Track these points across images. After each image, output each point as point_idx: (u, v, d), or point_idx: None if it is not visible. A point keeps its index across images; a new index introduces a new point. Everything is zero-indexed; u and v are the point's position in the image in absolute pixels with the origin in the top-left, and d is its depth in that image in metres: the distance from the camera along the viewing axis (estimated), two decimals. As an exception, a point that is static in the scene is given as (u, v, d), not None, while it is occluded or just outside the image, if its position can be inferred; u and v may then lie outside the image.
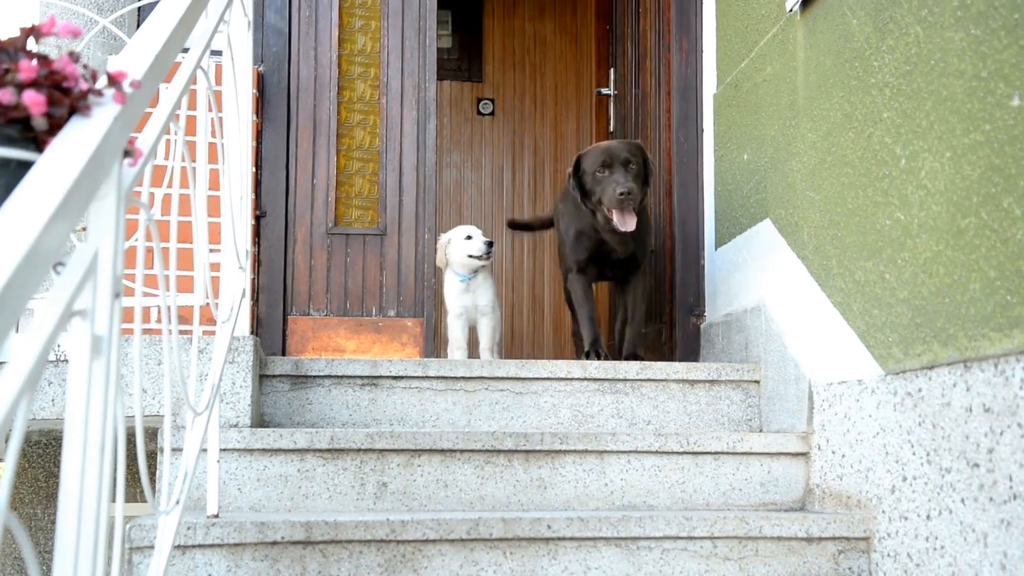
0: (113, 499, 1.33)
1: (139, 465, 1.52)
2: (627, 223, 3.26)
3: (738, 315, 3.24)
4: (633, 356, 3.49)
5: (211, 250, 3.35)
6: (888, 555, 2.20)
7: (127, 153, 1.34)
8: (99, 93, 1.28)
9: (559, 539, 2.24)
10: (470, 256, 3.92)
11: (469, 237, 3.93)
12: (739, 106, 3.32)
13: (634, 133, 4.72)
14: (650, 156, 3.47)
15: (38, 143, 1.21)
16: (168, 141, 3.29)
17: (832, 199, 2.56)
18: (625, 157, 3.34)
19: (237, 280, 2.41)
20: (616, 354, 3.80)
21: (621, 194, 3.23)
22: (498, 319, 4.00)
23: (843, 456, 2.43)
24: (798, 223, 2.79)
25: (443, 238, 4.03)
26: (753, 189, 3.16)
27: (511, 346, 6.67)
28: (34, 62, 1.22)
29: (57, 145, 1.16)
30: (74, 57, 1.28)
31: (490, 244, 3.96)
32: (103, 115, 1.25)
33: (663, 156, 4.12)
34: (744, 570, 2.27)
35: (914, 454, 2.09)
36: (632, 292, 3.61)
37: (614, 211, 3.28)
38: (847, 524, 2.29)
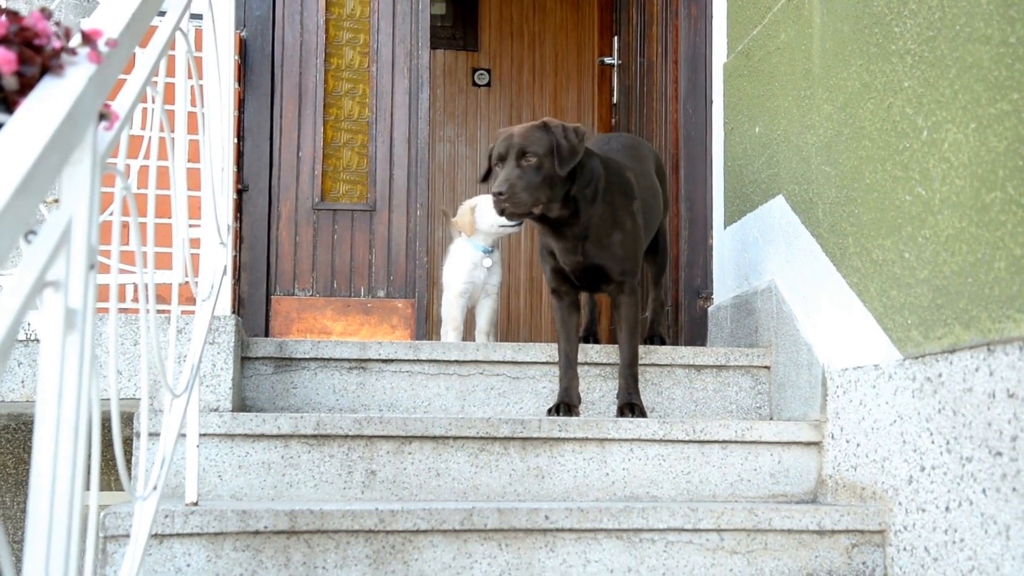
0: (87, 485, 1.33)
1: (115, 450, 1.52)
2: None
3: (748, 297, 3.24)
4: (628, 408, 2.87)
5: (190, 225, 3.34)
6: (904, 549, 2.21)
7: (102, 116, 1.33)
8: (73, 52, 1.27)
9: (557, 530, 2.24)
10: (502, 226, 3.80)
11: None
12: (751, 76, 3.31)
13: (639, 105, 4.72)
14: (573, 138, 2.81)
15: (8, 104, 1.20)
16: (145, 111, 3.28)
17: (849, 174, 2.56)
18: (521, 147, 2.76)
19: (218, 256, 2.40)
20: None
21: (497, 194, 2.73)
22: (498, 301, 3.99)
23: (858, 445, 2.43)
24: (812, 200, 2.79)
25: (469, 203, 3.89)
26: (765, 164, 3.16)
27: (507, 330, 6.68)
28: (3, 18, 1.21)
29: (28, 105, 1.16)
30: (46, 14, 1.27)
31: (514, 223, 3.84)
32: (77, 75, 1.24)
33: (670, 129, 4.12)
34: (752, 564, 2.28)
35: (933, 442, 2.10)
36: (621, 323, 2.97)
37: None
38: (861, 516, 2.30)
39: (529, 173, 2.75)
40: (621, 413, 2.87)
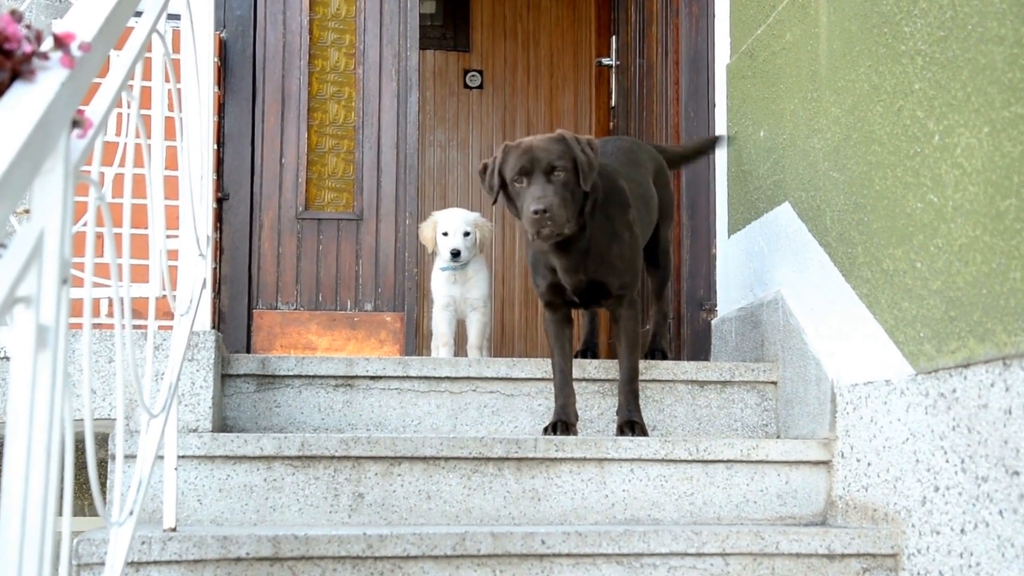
0: (60, 510, 1.33)
1: (89, 473, 1.52)
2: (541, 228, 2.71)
3: (753, 309, 3.25)
4: (628, 427, 2.85)
5: (168, 236, 3.35)
6: (918, 574, 2.21)
7: (76, 123, 1.34)
8: (44, 56, 1.28)
9: (554, 555, 2.24)
10: (441, 251, 3.85)
11: (445, 234, 3.86)
12: (755, 77, 3.33)
13: (638, 108, 4.73)
14: (590, 152, 2.82)
15: (-24, 111, 1.20)
16: (120, 116, 3.29)
17: (858, 180, 2.57)
18: (548, 162, 2.73)
19: (197, 269, 2.41)
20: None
21: (536, 212, 2.67)
22: (489, 314, 3.99)
23: (869, 464, 2.44)
24: (820, 207, 2.80)
25: (432, 217, 3.94)
26: (770, 170, 3.17)
27: (501, 344, 6.68)
28: (-28, 21, 1.21)
29: (-2, 113, 1.16)
30: (16, 16, 1.28)
31: (456, 254, 3.83)
32: (49, 80, 1.25)
33: (670, 133, 4.13)
34: (759, 590, 2.28)
35: (947, 461, 2.10)
36: (620, 336, 2.96)
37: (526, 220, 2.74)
38: (873, 539, 2.31)
39: (561, 188, 2.72)
40: (621, 431, 2.84)
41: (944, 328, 2.15)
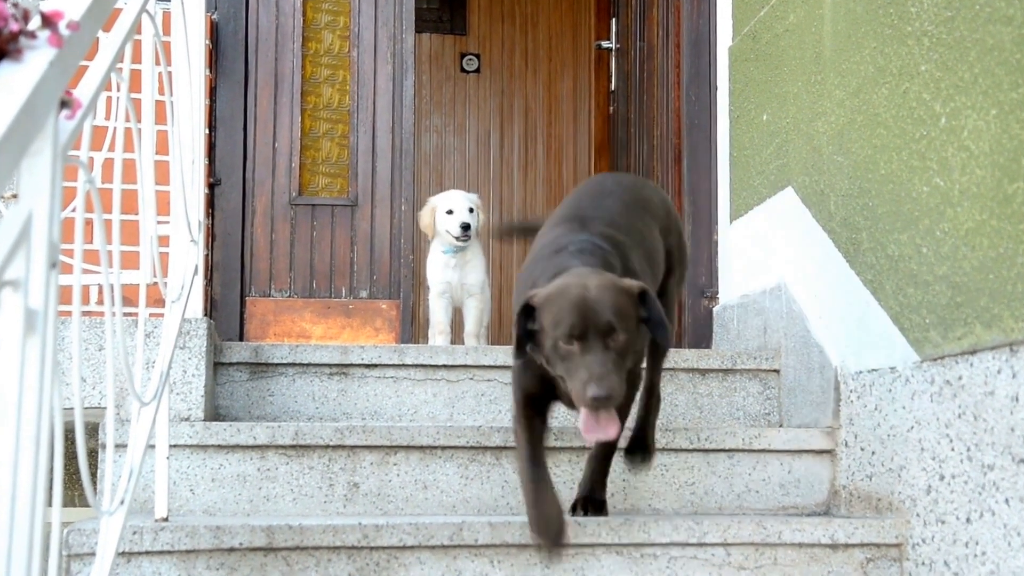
0: (49, 501, 1.33)
1: (79, 462, 1.52)
2: (598, 431, 2.04)
3: (755, 296, 3.25)
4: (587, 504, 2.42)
5: (159, 222, 3.34)
6: (923, 563, 2.22)
7: (64, 104, 1.33)
8: (32, 35, 1.27)
9: (553, 546, 2.24)
10: (447, 232, 3.88)
11: (450, 212, 3.89)
12: (758, 60, 3.32)
13: (638, 92, 4.73)
14: (660, 310, 2.15)
15: (-38, 91, 1.20)
16: (109, 100, 3.28)
17: (862, 164, 2.57)
18: (607, 322, 2.04)
19: (189, 255, 2.40)
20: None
21: (596, 399, 1.98)
22: (487, 301, 3.98)
23: (873, 453, 2.44)
24: (824, 192, 2.79)
25: (431, 201, 3.94)
26: (773, 154, 3.17)
27: (499, 332, 6.68)
28: (-43, -1, 1.21)
29: (-16, 92, 1.16)
30: (3, -6, 1.27)
31: (466, 227, 3.85)
32: (37, 60, 1.24)
33: (671, 117, 4.12)
34: (761, 580, 2.28)
35: (953, 450, 2.11)
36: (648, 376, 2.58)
37: (582, 410, 2.04)
38: (877, 529, 2.31)
39: (618, 357, 2.07)
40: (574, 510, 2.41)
41: (950, 314, 2.15)
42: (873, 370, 2.46)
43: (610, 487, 2.56)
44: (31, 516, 1.19)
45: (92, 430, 3.06)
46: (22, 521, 1.18)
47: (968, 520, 2.05)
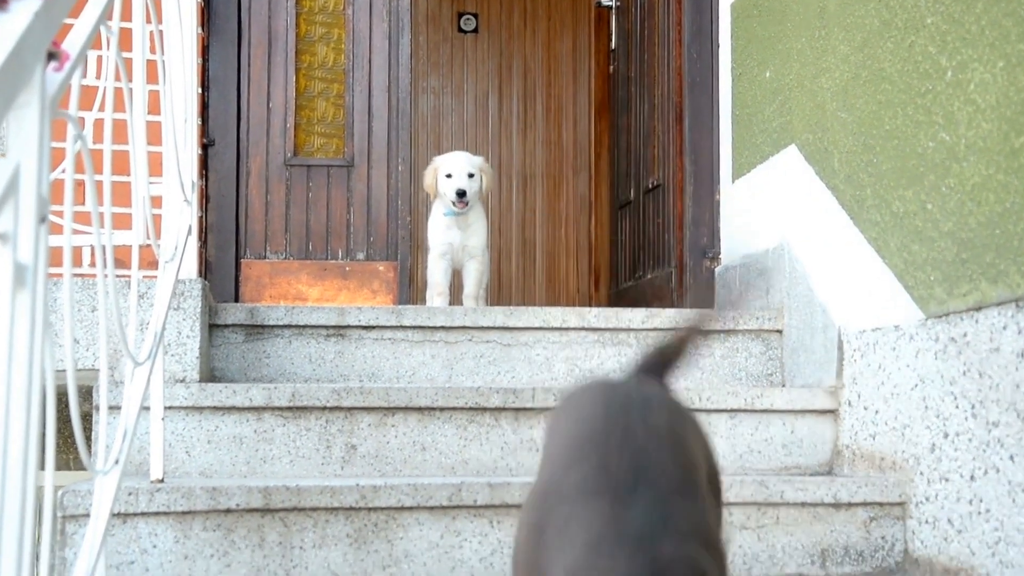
0: (43, 464, 1.33)
1: (72, 422, 1.52)
2: None
3: (758, 256, 3.24)
4: None
5: (151, 183, 3.33)
6: (926, 521, 2.22)
7: (51, 56, 1.32)
8: (17, -16, 1.26)
9: (553, 506, 2.25)
10: (444, 193, 3.86)
11: (449, 176, 3.87)
12: (761, 16, 3.30)
13: (639, 50, 4.70)
14: None
15: (-54, 40, 1.19)
16: (100, 59, 3.26)
17: (867, 120, 2.56)
18: None
19: (183, 215, 2.40)
20: None
21: None
22: (487, 263, 3.98)
23: (876, 412, 2.44)
24: (828, 149, 2.78)
25: (434, 162, 3.91)
26: (776, 111, 3.15)
27: (498, 295, 6.68)
28: (-60, -55, 1.20)
29: (-31, 41, 1.15)
30: (-13, -59, 1.26)
31: (462, 194, 3.81)
32: (22, 9, 1.23)
33: (673, 76, 4.10)
34: (763, 540, 2.29)
35: (957, 407, 2.11)
36: None
37: None
38: (880, 488, 2.32)
39: None
40: None
41: (955, 271, 2.15)
42: (877, 329, 2.46)
43: (610, 448, 2.57)
44: (23, 476, 1.19)
45: (86, 394, 3.07)
46: (14, 480, 1.18)
47: (972, 477, 2.05)
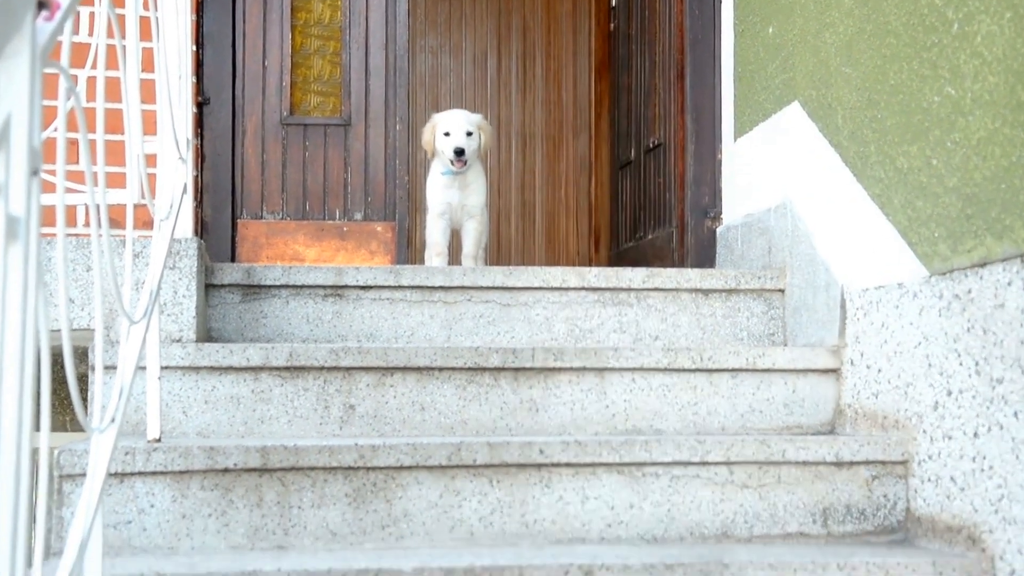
0: (38, 424, 1.32)
1: (68, 382, 1.51)
2: None
3: (760, 216, 3.23)
4: None
5: (145, 141, 3.31)
6: (928, 480, 2.23)
7: (41, 5, 1.31)
8: (5, -71, 1.24)
9: (553, 465, 2.25)
10: (443, 152, 3.84)
11: (447, 134, 3.85)
12: (763, -31, 3.27)
13: (640, 7, 4.67)
14: None
15: (-67, -13, 1.17)
16: (92, 15, 3.23)
17: (871, 75, 2.54)
18: None
19: (177, 173, 2.38)
20: None
21: None
22: (486, 223, 3.96)
23: (879, 371, 2.44)
24: (831, 105, 2.77)
25: (432, 120, 3.89)
26: (779, 68, 3.13)
27: (498, 258, 6.68)
28: None
29: (-44, -13, 1.13)
30: None
31: (460, 153, 3.79)
32: (11, -45, 1.21)
33: (674, 32, 4.07)
34: (764, 499, 2.30)
35: (961, 364, 2.10)
36: None
37: None
38: (883, 447, 2.32)
39: None
40: None
41: (960, 227, 2.14)
42: (880, 287, 2.45)
43: (611, 408, 2.57)
44: (17, 432, 1.19)
45: (81, 355, 3.06)
46: (9, 436, 1.18)
47: (976, 435, 2.05)
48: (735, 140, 3.53)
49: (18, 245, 1.21)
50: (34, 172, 1.24)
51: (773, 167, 3.17)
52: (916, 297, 2.29)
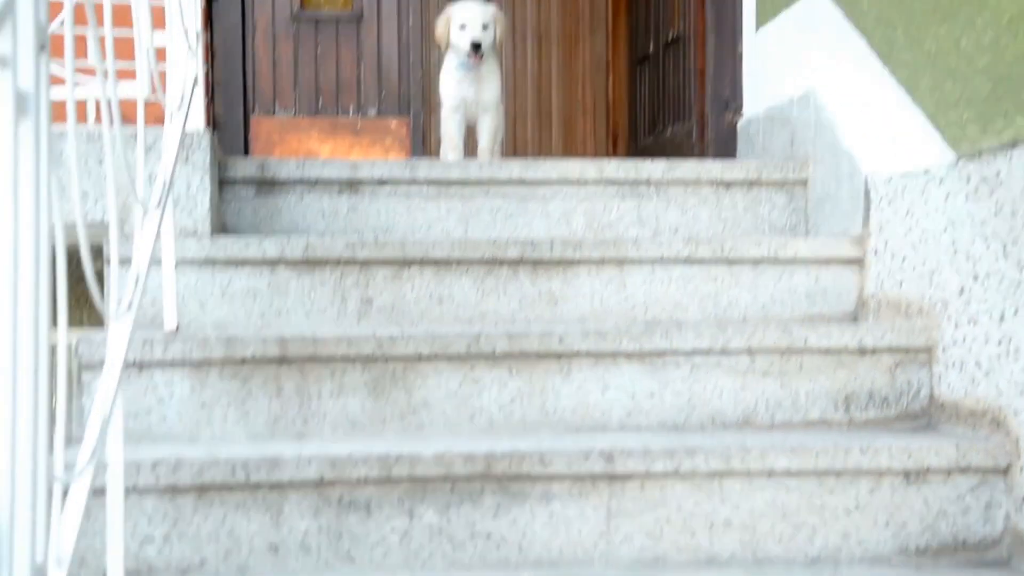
0: (55, 319, 1.32)
1: (84, 270, 1.51)
2: None
3: (782, 107, 3.19)
4: None
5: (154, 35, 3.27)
6: (952, 365, 2.22)
7: None
8: None
9: (573, 354, 2.26)
10: (458, 44, 3.77)
11: (463, 27, 3.77)
12: None
13: None
14: None
15: None
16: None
17: (899, -46, 2.48)
18: None
19: (188, 65, 2.36)
20: None
21: None
22: (501, 117, 3.91)
23: (904, 259, 2.43)
24: (857, -12, 2.71)
25: (446, 12, 3.82)
26: (803, -49, 3.07)
27: (512, 151, 6.62)
28: None
29: None
30: None
31: (476, 46, 3.71)
32: None
33: (694, -80, 3.99)
34: (786, 387, 2.30)
35: (988, 248, 2.09)
36: None
37: None
38: (906, 333, 2.31)
39: None
40: None
41: (990, 108, 2.10)
42: (906, 174, 2.43)
43: (630, 300, 2.57)
44: (34, 317, 1.19)
45: (96, 253, 3.07)
46: (26, 321, 1.18)
47: (1002, 318, 2.04)
48: (756, 30, 3.47)
49: (29, 120, 1.20)
50: (41, 47, 1.23)
51: (795, 57, 3.12)
52: (943, 183, 2.26)
